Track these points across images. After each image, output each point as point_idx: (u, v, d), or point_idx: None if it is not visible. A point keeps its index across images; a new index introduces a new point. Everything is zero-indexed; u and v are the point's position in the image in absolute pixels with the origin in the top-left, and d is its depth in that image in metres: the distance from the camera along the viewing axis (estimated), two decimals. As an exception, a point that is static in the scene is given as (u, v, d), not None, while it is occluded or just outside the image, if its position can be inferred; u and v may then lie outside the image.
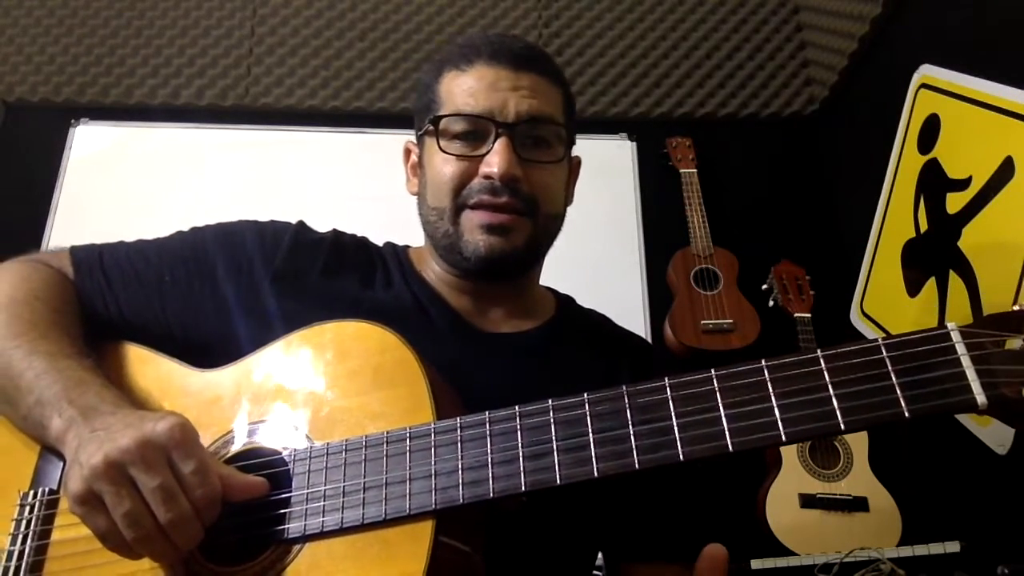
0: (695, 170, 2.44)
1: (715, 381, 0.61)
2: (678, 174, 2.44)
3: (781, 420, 0.58)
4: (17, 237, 2.34)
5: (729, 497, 2.00)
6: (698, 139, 2.51)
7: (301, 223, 0.98)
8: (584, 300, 1.07)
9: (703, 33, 2.68)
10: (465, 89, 0.90)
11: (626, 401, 0.63)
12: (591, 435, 0.62)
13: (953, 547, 1.50)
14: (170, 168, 2.45)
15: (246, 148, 2.48)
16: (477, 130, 0.89)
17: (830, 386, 0.58)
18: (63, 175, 2.42)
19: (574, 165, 1.03)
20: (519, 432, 0.65)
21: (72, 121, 2.50)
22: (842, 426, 0.57)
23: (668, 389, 0.62)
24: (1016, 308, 0.58)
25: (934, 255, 1.85)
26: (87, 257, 0.94)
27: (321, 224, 1.01)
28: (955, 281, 1.75)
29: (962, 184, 1.78)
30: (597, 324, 1.04)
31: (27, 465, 0.79)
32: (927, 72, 2.00)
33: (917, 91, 2.03)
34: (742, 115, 2.62)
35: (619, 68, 2.64)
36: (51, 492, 0.77)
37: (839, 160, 2.49)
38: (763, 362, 0.61)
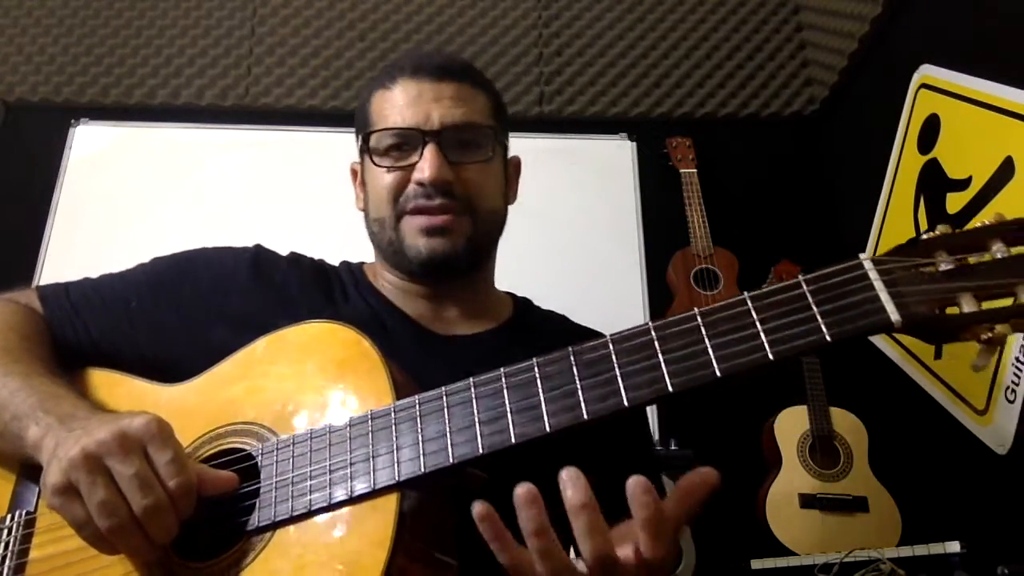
0: (695, 170, 2.44)
1: (653, 331, 0.65)
2: (678, 174, 2.44)
3: (715, 358, 0.61)
4: (17, 237, 2.34)
5: (729, 497, 2.00)
6: (698, 139, 2.51)
7: (259, 245, 1.02)
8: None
9: (703, 33, 2.68)
10: (392, 105, 0.94)
11: (572, 359, 0.66)
12: (541, 394, 0.65)
13: (953, 547, 1.50)
14: (170, 168, 2.45)
15: (246, 148, 2.48)
16: (407, 142, 0.93)
17: (757, 323, 0.61)
18: (63, 175, 2.42)
19: (513, 165, 1.06)
20: (474, 401, 0.67)
21: (72, 121, 2.50)
22: (770, 356, 0.60)
23: (611, 344, 0.66)
24: (924, 237, 0.62)
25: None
26: (53, 291, 0.97)
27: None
28: (955, 281, 1.75)
29: (962, 184, 1.78)
30: (554, 323, 1.06)
31: (3, 494, 0.82)
32: (927, 72, 2.00)
33: (917, 91, 2.03)
34: (742, 115, 2.62)
35: (619, 68, 2.64)
36: (27, 514, 0.79)
37: (839, 160, 2.49)
38: (696, 310, 0.64)
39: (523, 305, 1.07)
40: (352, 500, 0.67)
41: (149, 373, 0.87)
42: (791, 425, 2.02)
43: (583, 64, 2.64)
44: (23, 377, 0.80)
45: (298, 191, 2.41)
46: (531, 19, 2.68)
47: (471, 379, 0.68)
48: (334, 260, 1.07)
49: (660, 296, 2.32)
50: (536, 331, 1.01)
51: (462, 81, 0.96)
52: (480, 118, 0.95)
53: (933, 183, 1.91)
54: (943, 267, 0.60)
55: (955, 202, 1.80)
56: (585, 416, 0.63)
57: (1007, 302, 0.58)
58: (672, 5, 2.71)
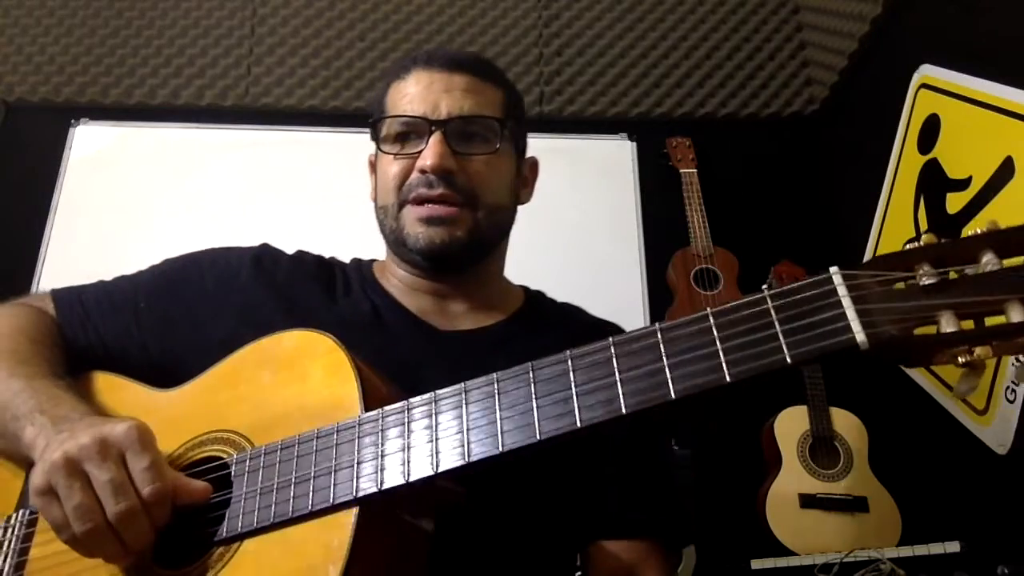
0: (695, 170, 2.44)
1: (612, 348, 0.62)
2: (678, 174, 2.44)
3: (671, 379, 0.59)
4: (17, 237, 2.34)
5: (729, 497, 2.00)
6: (698, 139, 2.52)
7: (264, 244, 1.03)
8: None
9: (703, 33, 2.68)
10: (404, 94, 0.95)
11: (531, 375, 0.64)
12: (498, 412, 0.64)
13: (953, 547, 1.50)
14: (170, 168, 2.45)
15: (246, 148, 2.48)
16: (414, 131, 0.93)
17: (718, 341, 0.58)
18: (63, 175, 2.42)
19: (530, 165, 1.05)
20: (433, 417, 0.67)
21: (72, 121, 2.50)
22: (727, 378, 0.57)
23: (569, 361, 0.64)
24: (907, 248, 0.56)
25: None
26: (67, 295, 0.99)
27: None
28: (955, 281, 1.75)
29: (962, 184, 1.78)
30: (567, 315, 1.04)
31: (12, 494, 0.84)
32: (927, 72, 2.00)
33: (917, 91, 2.03)
34: (742, 115, 2.62)
35: (619, 68, 2.64)
36: (31, 513, 0.80)
37: (839, 160, 2.49)
38: (657, 325, 0.62)
39: (534, 298, 1.05)
40: (312, 514, 0.67)
41: (157, 372, 0.88)
42: (791, 425, 2.02)
43: (583, 64, 2.64)
44: (27, 379, 0.82)
45: (298, 191, 2.41)
46: (531, 19, 2.68)
47: (434, 393, 0.68)
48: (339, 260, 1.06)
49: (660, 296, 2.32)
50: (547, 323, 1.00)
51: (475, 74, 0.95)
52: (489, 111, 0.94)
53: (933, 183, 1.91)
54: (925, 281, 0.54)
55: (955, 202, 1.80)
56: (539, 437, 0.62)
57: (995, 320, 0.52)
58: (672, 5, 2.71)
